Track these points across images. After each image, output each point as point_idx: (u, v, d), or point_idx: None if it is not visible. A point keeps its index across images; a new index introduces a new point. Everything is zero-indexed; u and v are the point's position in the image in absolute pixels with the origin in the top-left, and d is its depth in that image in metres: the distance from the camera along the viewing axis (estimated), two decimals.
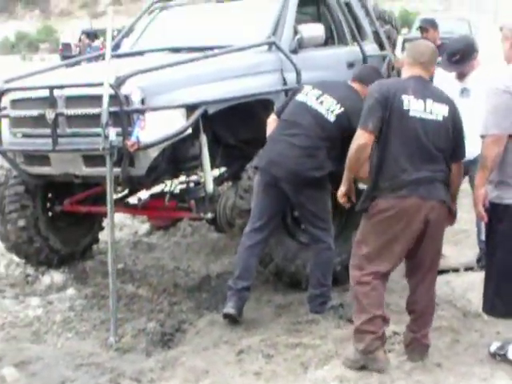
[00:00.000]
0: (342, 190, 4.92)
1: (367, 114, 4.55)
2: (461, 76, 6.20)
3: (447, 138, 4.59)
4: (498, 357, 4.76)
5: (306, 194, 5.39)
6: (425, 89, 4.62)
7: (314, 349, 5.00)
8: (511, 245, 4.53)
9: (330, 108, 5.38)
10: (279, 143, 5.43)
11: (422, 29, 8.22)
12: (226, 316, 5.49)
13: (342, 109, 5.37)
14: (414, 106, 4.51)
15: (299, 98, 5.53)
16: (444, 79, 6.30)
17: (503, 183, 4.52)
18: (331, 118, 5.36)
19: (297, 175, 5.32)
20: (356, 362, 4.68)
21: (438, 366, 4.69)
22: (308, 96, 5.48)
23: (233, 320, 5.48)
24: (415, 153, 4.51)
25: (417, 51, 4.75)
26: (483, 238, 5.33)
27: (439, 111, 4.56)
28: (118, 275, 6.23)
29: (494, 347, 4.83)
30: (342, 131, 5.30)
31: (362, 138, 4.55)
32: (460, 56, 6.08)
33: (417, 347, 4.78)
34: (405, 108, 4.50)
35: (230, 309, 5.45)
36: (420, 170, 4.51)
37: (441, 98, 4.65)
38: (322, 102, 5.41)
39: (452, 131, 4.61)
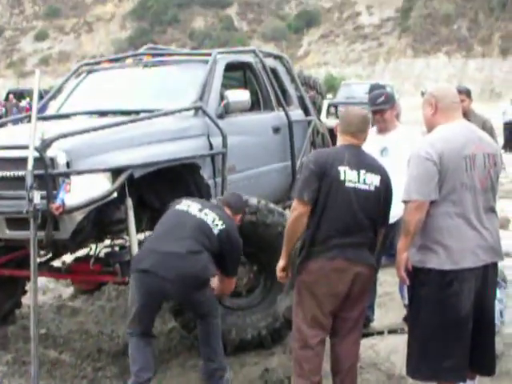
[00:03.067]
0: (281, 264, 4.84)
1: (303, 186, 4.61)
2: (382, 130, 6.38)
3: (378, 208, 4.70)
4: None
5: (195, 297, 5.20)
6: (358, 159, 4.70)
7: None
8: (434, 308, 4.57)
9: (214, 221, 5.29)
10: (163, 243, 5.21)
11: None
12: None
13: (224, 226, 5.29)
14: (349, 177, 4.60)
15: (180, 207, 5.43)
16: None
17: (425, 247, 4.58)
18: (215, 230, 5.27)
19: (188, 277, 5.07)
20: None
21: None
22: (190, 207, 5.39)
23: None
24: (347, 221, 4.58)
25: (345, 121, 4.83)
26: (406, 302, 5.40)
27: (372, 181, 4.66)
28: (41, 340, 6.10)
29: None
30: (221, 248, 5.27)
31: (298, 210, 4.60)
32: (385, 98, 6.40)
33: None
34: (341, 179, 4.58)
35: None
36: (349, 236, 4.60)
37: (374, 168, 4.74)
38: (206, 214, 5.32)
39: (382, 200, 4.72)
